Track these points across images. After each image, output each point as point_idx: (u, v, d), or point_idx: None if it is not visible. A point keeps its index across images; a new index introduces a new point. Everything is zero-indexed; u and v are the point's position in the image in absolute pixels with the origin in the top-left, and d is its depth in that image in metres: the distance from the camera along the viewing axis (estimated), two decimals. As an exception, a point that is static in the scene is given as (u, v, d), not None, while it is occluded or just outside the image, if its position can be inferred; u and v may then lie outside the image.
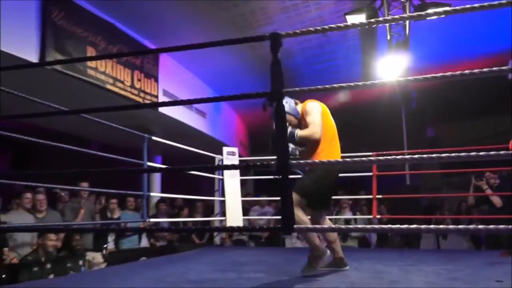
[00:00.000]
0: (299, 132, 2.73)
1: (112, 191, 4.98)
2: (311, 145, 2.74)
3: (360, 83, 1.67)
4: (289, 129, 2.71)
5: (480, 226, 1.28)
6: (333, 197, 3.10)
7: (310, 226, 1.58)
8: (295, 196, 2.52)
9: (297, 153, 2.70)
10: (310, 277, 2.63)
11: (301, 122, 2.83)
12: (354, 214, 6.37)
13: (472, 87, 8.34)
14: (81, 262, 4.49)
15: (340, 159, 2.56)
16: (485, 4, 1.45)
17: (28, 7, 4.45)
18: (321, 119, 2.76)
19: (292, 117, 2.79)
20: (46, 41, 4.46)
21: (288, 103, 2.77)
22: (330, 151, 2.75)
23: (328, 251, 2.75)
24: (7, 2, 4.10)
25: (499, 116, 9.22)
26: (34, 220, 4.41)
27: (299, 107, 2.88)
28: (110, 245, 5.19)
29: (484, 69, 1.43)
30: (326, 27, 1.61)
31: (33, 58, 4.41)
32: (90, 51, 4.99)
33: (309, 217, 2.72)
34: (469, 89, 8.56)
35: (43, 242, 4.12)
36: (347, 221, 6.10)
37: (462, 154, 1.39)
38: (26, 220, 4.30)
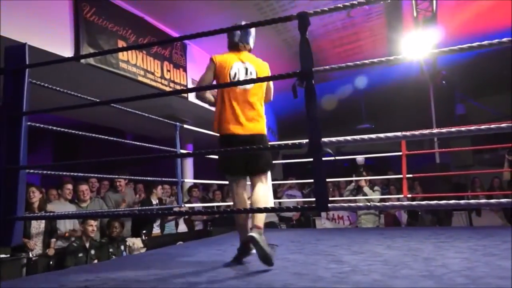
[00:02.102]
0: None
1: (149, 178, 5.20)
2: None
3: (391, 58, 1.64)
4: None
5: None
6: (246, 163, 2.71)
7: (345, 205, 1.59)
8: None
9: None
10: (343, 256, 2.71)
11: None
12: (372, 189, 6.16)
13: (502, 59, 8.07)
14: (122, 248, 4.74)
15: (239, 121, 2.56)
16: None
17: (61, 4, 4.62)
18: (212, 76, 2.64)
19: None
20: (79, 37, 4.63)
21: None
22: (221, 112, 2.63)
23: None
24: (41, 1, 4.28)
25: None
26: (76, 210, 4.66)
27: None
28: (156, 230, 5.43)
29: None
30: (355, 2, 1.59)
31: (68, 54, 4.59)
32: (121, 45, 5.14)
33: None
34: (500, 62, 8.29)
35: (85, 228, 4.38)
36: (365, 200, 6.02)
37: (503, 125, 1.35)
38: (67, 209, 4.54)
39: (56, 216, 4.04)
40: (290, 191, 7.42)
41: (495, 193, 6.17)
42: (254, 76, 2.64)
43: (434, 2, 5.46)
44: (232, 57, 2.68)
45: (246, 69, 2.65)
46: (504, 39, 1.33)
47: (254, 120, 2.62)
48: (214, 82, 2.68)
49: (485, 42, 1.36)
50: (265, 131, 2.70)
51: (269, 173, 2.89)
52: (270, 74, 2.61)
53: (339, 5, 1.58)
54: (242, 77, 2.64)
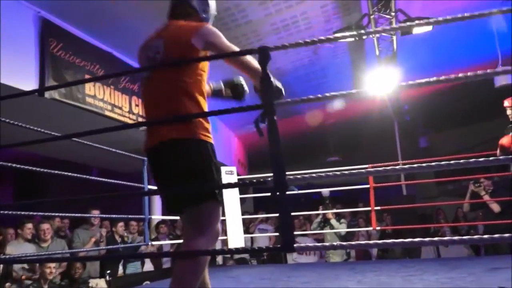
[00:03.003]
0: None
1: (114, 216, 5.03)
2: None
3: (353, 91, 1.69)
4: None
5: (485, 236, 1.28)
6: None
7: (311, 245, 1.42)
8: None
9: None
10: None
11: None
12: (339, 221, 6.20)
13: (461, 96, 8.55)
14: (84, 290, 4.50)
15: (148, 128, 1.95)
16: (468, 14, 1.44)
17: (27, 39, 4.55)
18: None
19: None
20: (45, 72, 4.55)
21: None
22: None
23: None
24: (5, 34, 4.21)
25: (487, 122, 9.44)
26: (36, 250, 4.41)
27: None
28: (121, 269, 5.20)
29: (480, 72, 1.39)
30: (315, 39, 1.59)
31: (32, 88, 4.49)
32: (88, 80, 5.10)
33: None
34: (458, 98, 8.78)
35: (42, 270, 4.13)
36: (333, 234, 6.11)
37: (461, 161, 1.40)
38: (27, 250, 4.29)
39: (13, 260, 3.80)
40: (262, 225, 7.37)
41: (459, 224, 6.35)
42: (160, 55, 1.85)
43: (395, 41, 5.76)
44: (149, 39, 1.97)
45: (155, 49, 1.88)
46: (461, 75, 1.39)
47: (162, 119, 1.82)
48: None
49: (442, 77, 1.43)
50: (186, 133, 1.78)
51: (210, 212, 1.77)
52: (194, 36, 1.80)
53: (300, 41, 1.57)
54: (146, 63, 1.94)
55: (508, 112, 4.05)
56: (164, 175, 1.83)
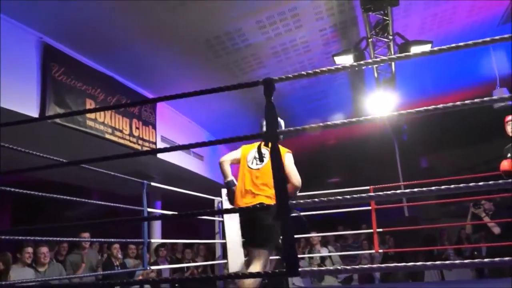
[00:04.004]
0: None
1: (113, 240, 4.98)
2: None
3: (353, 119, 1.64)
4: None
5: (486, 260, 1.30)
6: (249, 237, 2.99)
7: (315, 269, 1.53)
8: None
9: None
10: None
11: None
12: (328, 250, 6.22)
13: (460, 116, 8.57)
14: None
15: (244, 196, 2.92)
16: (463, 43, 1.47)
17: (29, 64, 4.60)
18: (236, 156, 3.19)
19: None
20: (46, 96, 4.57)
21: None
22: (236, 192, 3.06)
23: None
24: (8, 59, 4.25)
25: (487, 143, 9.42)
26: (34, 275, 4.33)
27: None
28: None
29: (476, 100, 1.46)
30: (317, 70, 1.63)
31: (34, 113, 4.50)
32: (90, 103, 5.11)
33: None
34: (457, 119, 8.79)
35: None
36: (323, 259, 5.98)
37: (461, 185, 1.43)
38: (26, 275, 4.22)
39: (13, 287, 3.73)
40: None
41: (463, 246, 6.27)
42: (267, 159, 2.97)
43: (393, 63, 5.82)
44: (255, 145, 3.14)
45: (261, 153, 3.02)
46: (458, 103, 1.41)
47: (257, 195, 2.89)
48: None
49: (440, 106, 1.44)
50: (268, 201, 2.77)
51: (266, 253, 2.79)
52: (286, 161, 2.85)
53: (303, 72, 1.62)
54: (255, 160, 3.06)
55: (509, 128, 3.81)
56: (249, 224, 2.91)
